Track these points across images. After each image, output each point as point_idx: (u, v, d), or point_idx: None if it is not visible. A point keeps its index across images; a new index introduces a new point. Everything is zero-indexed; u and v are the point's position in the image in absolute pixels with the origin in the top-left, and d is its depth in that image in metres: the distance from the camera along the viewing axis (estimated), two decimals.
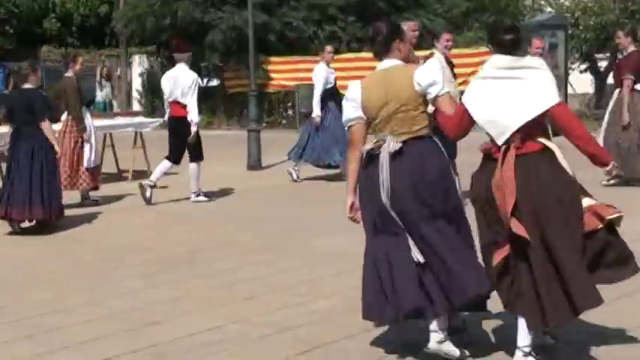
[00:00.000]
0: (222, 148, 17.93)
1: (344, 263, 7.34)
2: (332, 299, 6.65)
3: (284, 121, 24.93)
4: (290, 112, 25.05)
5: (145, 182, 11.51)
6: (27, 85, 10.11)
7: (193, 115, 11.23)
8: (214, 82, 29.00)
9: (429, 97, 5.22)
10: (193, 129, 11.25)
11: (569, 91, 20.54)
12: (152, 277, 7.63)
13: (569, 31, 20.68)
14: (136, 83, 31.42)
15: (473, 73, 22.00)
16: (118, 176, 14.42)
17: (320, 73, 13.25)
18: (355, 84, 5.50)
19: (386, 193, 5.11)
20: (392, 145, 5.14)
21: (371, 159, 5.29)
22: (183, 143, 11.41)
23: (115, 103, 29.71)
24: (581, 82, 21.99)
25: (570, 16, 21.07)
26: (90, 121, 11.81)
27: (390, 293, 5.09)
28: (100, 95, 28.08)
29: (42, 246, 9.36)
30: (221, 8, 26.34)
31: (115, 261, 8.38)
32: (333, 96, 13.36)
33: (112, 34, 32.92)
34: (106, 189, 12.64)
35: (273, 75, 25.60)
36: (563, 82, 20.20)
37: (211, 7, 26.48)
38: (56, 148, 9.94)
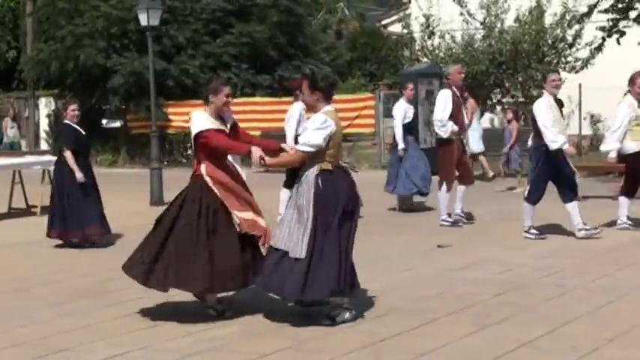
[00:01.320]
0: (126, 185, 17.96)
1: (243, 292, 7.43)
2: (232, 327, 6.77)
3: (184, 160, 25.11)
4: (189, 151, 25.17)
5: None
6: (67, 121, 11.02)
7: None
8: (117, 124, 29.16)
9: None
10: None
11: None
12: (60, 306, 7.62)
13: (444, 80, 21.16)
14: (43, 124, 31.50)
15: (357, 117, 22.70)
16: (27, 211, 14.44)
17: (399, 109, 13.85)
18: (328, 118, 6.57)
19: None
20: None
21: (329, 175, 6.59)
22: None
23: (23, 143, 29.53)
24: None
25: (444, 65, 21.73)
26: None
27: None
28: (8, 136, 27.92)
29: None
30: (122, 54, 26.43)
31: (24, 291, 8.35)
32: (410, 129, 14.06)
33: (19, 77, 32.55)
34: (15, 223, 12.66)
35: (172, 117, 25.85)
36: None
37: (113, 52, 26.53)
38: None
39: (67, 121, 11.14)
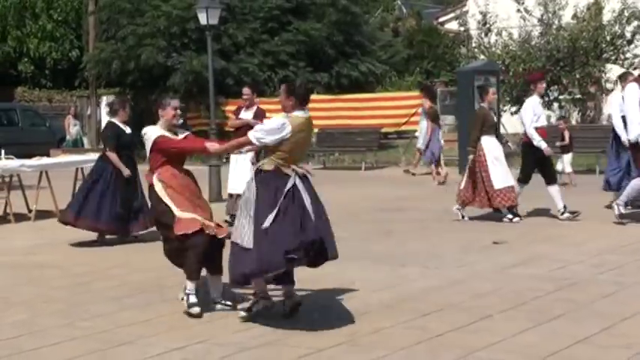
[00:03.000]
0: None
1: (299, 290, 7.42)
2: (288, 323, 6.75)
3: None
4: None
5: None
6: (114, 119, 11.28)
7: None
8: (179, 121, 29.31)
9: None
10: None
11: (502, 131, 21.05)
12: (120, 300, 7.68)
13: (502, 77, 21.12)
14: (105, 122, 31.56)
15: (415, 114, 22.57)
16: None
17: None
18: (287, 122, 6.74)
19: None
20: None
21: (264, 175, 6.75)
22: None
23: (85, 140, 29.87)
24: (512, 123, 22.53)
25: (501, 63, 21.57)
26: None
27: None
28: (71, 133, 28.26)
29: (12, 273, 9.27)
30: (182, 53, 26.64)
31: (84, 286, 8.42)
32: None
33: (82, 76, 33.02)
34: None
35: (230, 115, 25.88)
36: (567, 121, 20.72)
37: (173, 52, 26.77)
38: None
39: (113, 120, 11.33)
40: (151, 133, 7.30)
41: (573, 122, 23.90)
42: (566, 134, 17.27)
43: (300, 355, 5.85)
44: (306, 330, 6.52)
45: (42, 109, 34.04)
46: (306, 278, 7.46)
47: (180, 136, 7.43)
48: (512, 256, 9.44)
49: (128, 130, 11.27)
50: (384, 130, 23.71)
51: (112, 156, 11.05)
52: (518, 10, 22.15)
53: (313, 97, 24.16)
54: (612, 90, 22.76)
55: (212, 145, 7.41)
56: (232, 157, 12.32)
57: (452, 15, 34.56)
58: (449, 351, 5.85)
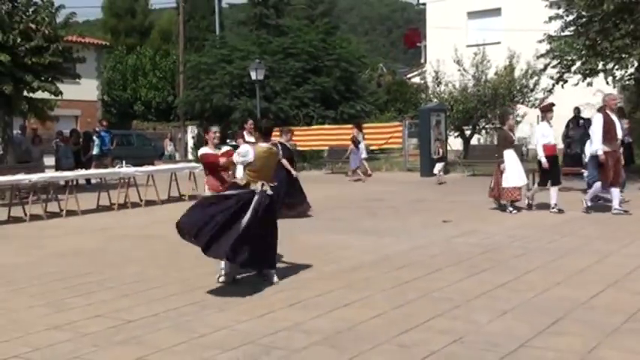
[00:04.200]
0: None
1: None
2: (305, 270, 6.82)
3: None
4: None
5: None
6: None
7: None
8: (235, 143, 29.51)
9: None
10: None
11: (448, 148, 21.18)
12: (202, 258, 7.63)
13: (448, 113, 21.19)
14: (190, 143, 32.03)
15: (390, 137, 22.57)
16: (179, 198, 14.57)
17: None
18: (250, 150, 6.20)
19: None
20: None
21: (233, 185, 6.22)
22: None
23: (177, 155, 30.48)
24: (455, 143, 22.60)
25: (448, 104, 21.55)
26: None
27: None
28: (168, 150, 29.10)
29: (130, 241, 9.16)
30: (239, 98, 26.78)
31: (181, 249, 7.90)
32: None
33: (175, 113, 33.26)
34: (171, 206, 12.88)
35: (272, 139, 25.85)
36: (444, 143, 20.73)
37: (234, 97, 26.92)
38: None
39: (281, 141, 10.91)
40: (201, 151, 6.97)
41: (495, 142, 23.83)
42: (440, 150, 18.29)
43: (315, 295, 5.80)
44: (318, 278, 6.48)
45: (149, 134, 34.18)
46: (318, 244, 7.42)
47: (222, 150, 6.94)
48: (456, 230, 9.39)
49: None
50: (371, 147, 23.65)
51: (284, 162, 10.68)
52: (459, 70, 22.06)
53: (324, 127, 24.39)
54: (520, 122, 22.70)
55: (222, 159, 6.71)
56: None
57: (416, 73, 34.56)
58: (413, 292, 5.83)
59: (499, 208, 11.28)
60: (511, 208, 11.04)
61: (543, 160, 10.70)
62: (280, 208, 9.90)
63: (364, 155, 19.33)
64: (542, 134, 10.78)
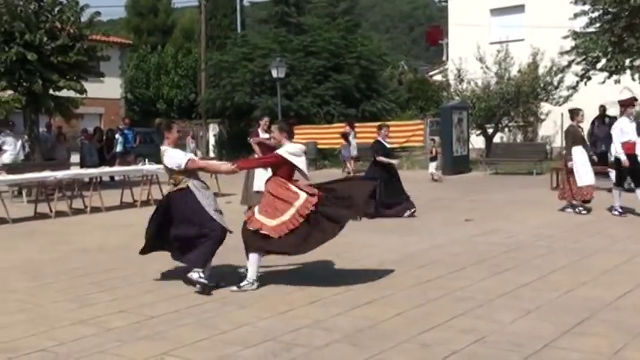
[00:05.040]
0: None
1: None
2: (330, 269, 6.81)
3: None
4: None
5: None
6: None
7: None
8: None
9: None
10: None
11: (470, 146, 21.08)
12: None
13: (470, 111, 21.11)
14: (212, 140, 32.11)
15: (412, 135, 22.54)
16: None
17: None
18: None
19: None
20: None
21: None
22: None
23: (199, 153, 30.53)
24: (477, 141, 22.46)
25: (470, 102, 21.42)
26: None
27: None
28: (190, 147, 28.99)
29: None
30: (261, 96, 26.84)
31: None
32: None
33: (197, 111, 33.44)
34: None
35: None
36: (466, 142, 20.57)
37: (255, 95, 27.01)
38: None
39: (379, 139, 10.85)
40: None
41: (518, 140, 23.66)
42: (434, 150, 18.43)
43: (339, 292, 5.80)
44: (339, 276, 6.47)
45: None
46: (340, 242, 7.37)
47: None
48: (478, 229, 9.34)
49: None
50: (392, 145, 23.56)
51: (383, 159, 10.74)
52: (482, 67, 21.89)
53: (356, 123, 24.23)
54: (544, 120, 22.50)
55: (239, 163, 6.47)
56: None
57: (437, 70, 34.29)
58: (435, 291, 5.80)
59: (571, 207, 10.51)
60: (580, 208, 10.37)
61: (623, 157, 9.73)
62: (378, 207, 9.92)
63: (354, 153, 19.15)
64: (621, 130, 9.86)
